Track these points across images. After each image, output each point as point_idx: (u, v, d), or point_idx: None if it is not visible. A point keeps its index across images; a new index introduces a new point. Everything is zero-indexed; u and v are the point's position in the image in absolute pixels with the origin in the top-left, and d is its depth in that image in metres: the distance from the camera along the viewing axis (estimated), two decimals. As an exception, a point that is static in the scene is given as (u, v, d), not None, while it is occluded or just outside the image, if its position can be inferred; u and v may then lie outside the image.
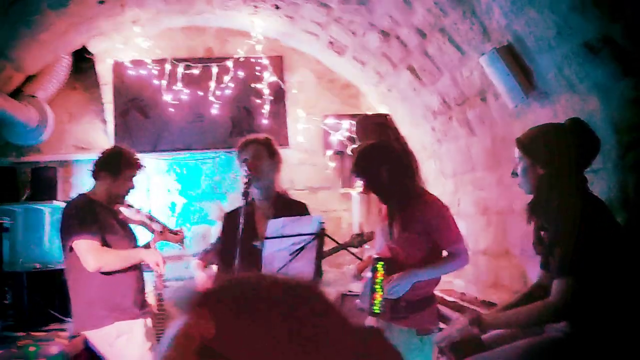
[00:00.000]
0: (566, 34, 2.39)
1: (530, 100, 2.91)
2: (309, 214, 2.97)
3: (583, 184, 2.12)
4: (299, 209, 2.89)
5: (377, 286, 2.75)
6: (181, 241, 3.74)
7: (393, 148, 3.03)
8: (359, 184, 3.06)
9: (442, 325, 3.21)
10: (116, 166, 3.26)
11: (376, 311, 2.76)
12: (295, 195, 4.94)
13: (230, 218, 2.98)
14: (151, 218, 3.64)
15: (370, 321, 2.98)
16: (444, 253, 2.90)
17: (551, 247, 2.08)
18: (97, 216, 3.17)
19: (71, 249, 3.09)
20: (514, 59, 2.84)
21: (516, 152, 2.23)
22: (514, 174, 2.26)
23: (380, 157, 2.87)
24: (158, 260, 3.28)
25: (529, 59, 2.77)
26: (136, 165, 3.34)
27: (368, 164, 2.87)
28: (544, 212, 2.13)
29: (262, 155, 2.87)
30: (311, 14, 4.29)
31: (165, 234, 3.65)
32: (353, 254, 3.05)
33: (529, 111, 3.01)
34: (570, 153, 2.10)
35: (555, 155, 2.10)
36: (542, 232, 2.19)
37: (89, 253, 3.05)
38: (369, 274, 2.84)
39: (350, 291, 4.50)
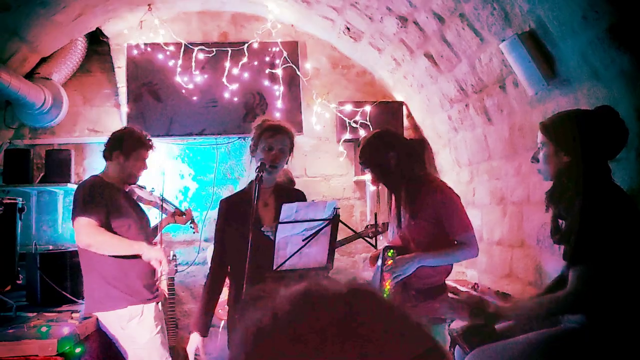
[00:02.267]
0: (592, 18, 2.32)
1: (551, 88, 2.85)
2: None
3: (606, 174, 2.06)
4: (298, 197, 2.84)
5: (386, 274, 2.75)
6: (191, 221, 3.77)
7: (399, 135, 2.98)
8: (369, 174, 2.99)
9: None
10: (127, 146, 3.28)
11: None
12: (308, 182, 4.95)
13: (229, 205, 2.85)
14: (163, 200, 3.66)
15: None
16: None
17: (569, 236, 2.03)
18: (105, 197, 3.17)
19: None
20: (536, 46, 2.77)
21: (539, 136, 2.16)
22: (535, 159, 2.20)
23: (386, 144, 2.83)
24: (160, 258, 3.14)
25: (552, 45, 2.71)
26: (147, 145, 3.35)
27: (374, 152, 2.83)
28: (563, 200, 2.08)
29: (286, 150, 2.74)
30: (327, -2, 4.24)
31: (176, 216, 3.71)
32: (369, 242, 3.01)
33: (549, 99, 2.95)
34: (597, 142, 2.03)
35: (582, 143, 2.03)
36: (560, 221, 2.14)
37: (82, 230, 3.06)
38: (379, 262, 2.84)
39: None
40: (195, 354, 2.67)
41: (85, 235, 3.06)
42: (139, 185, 3.57)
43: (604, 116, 2.04)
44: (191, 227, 3.99)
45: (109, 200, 3.18)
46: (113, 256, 3.13)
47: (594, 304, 1.96)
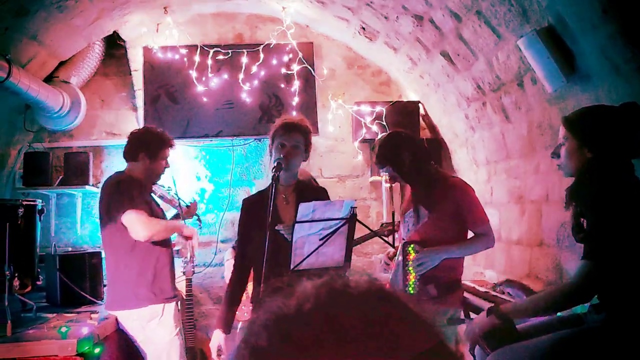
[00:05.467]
0: (612, 12, 2.28)
1: (570, 84, 2.81)
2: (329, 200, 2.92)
3: (630, 171, 2.03)
4: (320, 195, 2.84)
5: (409, 268, 2.82)
6: (197, 217, 3.85)
7: (411, 135, 3.11)
8: (385, 174, 3.11)
9: (472, 315, 3.18)
10: (153, 147, 3.33)
11: (411, 292, 2.84)
12: (324, 183, 4.93)
13: (250, 204, 2.88)
14: (178, 199, 3.71)
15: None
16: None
17: (591, 234, 2.00)
18: (140, 192, 3.23)
19: (117, 222, 3.13)
20: (555, 41, 2.73)
21: (561, 131, 2.13)
22: (555, 154, 2.17)
23: (400, 144, 2.94)
24: (194, 232, 3.44)
25: (571, 41, 2.67)
26: (170, 144, 3.41)
27: (390, 151, 2.94)
28: (585, 197, 2.04)
29: (300, 147, 2.74)
30: (342, -2, 4.22)
31: (186, 212, 3.78)
32: (386, 241, 3.03)
33: (568, 96, 2.91)
34: (622, 139, 1.99)
35: (606, 139, 2.00)
36: (582, 219, 2.10)
37: (140, 223, 3.09)
38: (399, 258, 2.91)
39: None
40: (218, 350, 2.71)
41: (143, 228, 3.10)
42: (158, 184, 3.62)
43: (629, 112, 2.00)
44: (197, 223, 4.03)
45: (143, 197, 3.24)
46: (134, 254, 3.16)
47: (611, 303, 1.93)
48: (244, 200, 2.94)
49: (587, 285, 1.93)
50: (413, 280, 2.81)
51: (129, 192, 3.15)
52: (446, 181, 2.92)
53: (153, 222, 3.15)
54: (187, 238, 3.44)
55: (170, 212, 3.83)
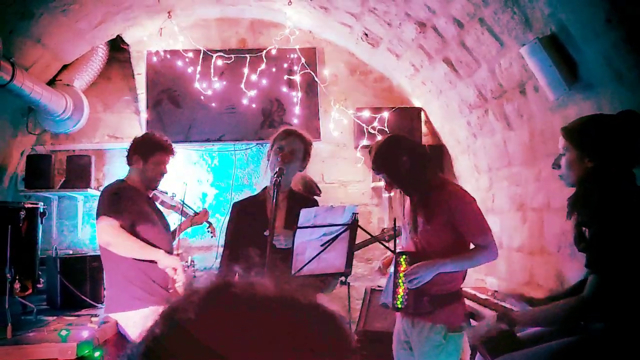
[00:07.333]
0: (616, 21, 2.28)
1: (572, 92, 2.81)
2: None
3: (631, 180, 2.03)
4: (310, 205, 2.84)
5: (400, 280, 2.69)
6: (209, 224, 3.80)
7: (410, 140, 2.96)
8: (382, 180, 3.00)
9: (473, 322, 3.14)
10: (146, 150, 3.31)
11: (399, 306, 2.72)
12: (325, 188, 4.94)
13: (242, 209, 2.89)
14: (183, 204, 3.69)
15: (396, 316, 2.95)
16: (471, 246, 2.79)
17: (593, 244, 1.99)
18: (129, 201, 3.20)
19: None
20: (557, 49, 2.74)
21: (561, 142, 2.13)
22: (556, 165, 2.17)
23: (398, 150, 2.78)
24: (176, 266, 3.19)
25: (574, 49, 2.67)
26: (166, 149, 3.37)
27: (387, 156, 2.79)
28: (587, 206, 2.04)
29: (298, 152, 2.77)
30: (345, 4, 4.23)
31: (194, 219, 3.75)
32: (386, 246, 2.98)
33: (570, 104, 2.91)
34: (622, 147, 1.99)
35: (605, 148, 2.00)
36: (583, 228, 2.10)
37: (104, 229, 3.11)
38: (392, 269, 2.78)
39: (379, 286, 4.46)
40: None
41: (106, 234, 3.11)
42: (161, 190, 3.61)
43: (628, 120, 2.01)
44: (208, 230, 4.01)
45: (133, 205, 3.22)
46: (130, 258, 3.16)
47: (611, 312, 1.93)
48: (235, 204, 2.92)
49: (601, 300, 1.90)
50: (402, 293, 2.68)
51: (112, 199, 3.16)
52: (442, 188, 2.76)
53: (119, 233, 3.09)
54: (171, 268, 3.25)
55: (171, 215, 3.82)
